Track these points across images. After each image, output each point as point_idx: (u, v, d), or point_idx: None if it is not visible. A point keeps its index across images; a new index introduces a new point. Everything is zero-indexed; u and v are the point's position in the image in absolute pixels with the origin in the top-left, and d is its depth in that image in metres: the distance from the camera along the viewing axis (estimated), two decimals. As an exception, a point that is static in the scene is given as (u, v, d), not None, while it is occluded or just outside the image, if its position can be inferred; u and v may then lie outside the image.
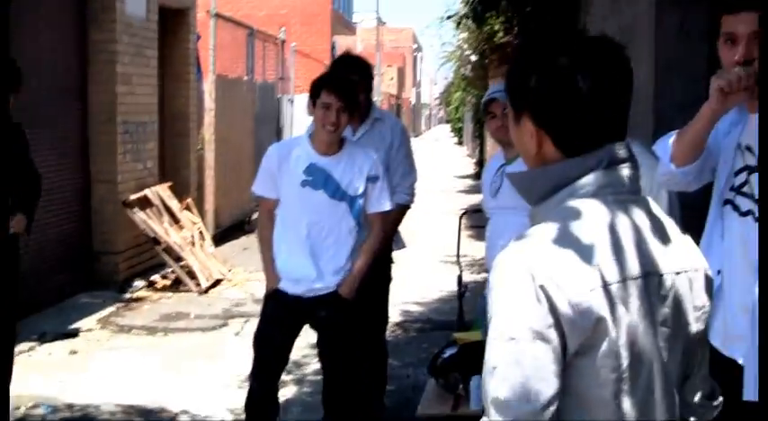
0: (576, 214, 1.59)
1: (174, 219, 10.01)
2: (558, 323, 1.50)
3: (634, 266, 1.58)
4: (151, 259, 9.72)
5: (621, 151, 1.64)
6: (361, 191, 4.42)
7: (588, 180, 1.61)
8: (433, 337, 7.26)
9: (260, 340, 4.55)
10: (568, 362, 1.53)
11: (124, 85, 9.35)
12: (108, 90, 9.17)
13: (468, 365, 5.30)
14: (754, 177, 2.55)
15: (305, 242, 4.39)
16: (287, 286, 4.44)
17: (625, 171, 1.64)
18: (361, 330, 4.82)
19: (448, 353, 5.61)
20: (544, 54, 1.63)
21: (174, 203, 10.18)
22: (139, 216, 9.30)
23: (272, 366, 4.58)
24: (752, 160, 2.57)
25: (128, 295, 8.99)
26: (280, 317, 4.50)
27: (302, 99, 20.51)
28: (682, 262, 1.67)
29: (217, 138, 12.14)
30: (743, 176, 2.62)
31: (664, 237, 1.66)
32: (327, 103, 4.29)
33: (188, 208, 10.60)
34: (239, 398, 5.02)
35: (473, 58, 14.14)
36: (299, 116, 19.13)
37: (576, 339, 1.52)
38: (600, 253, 1.55)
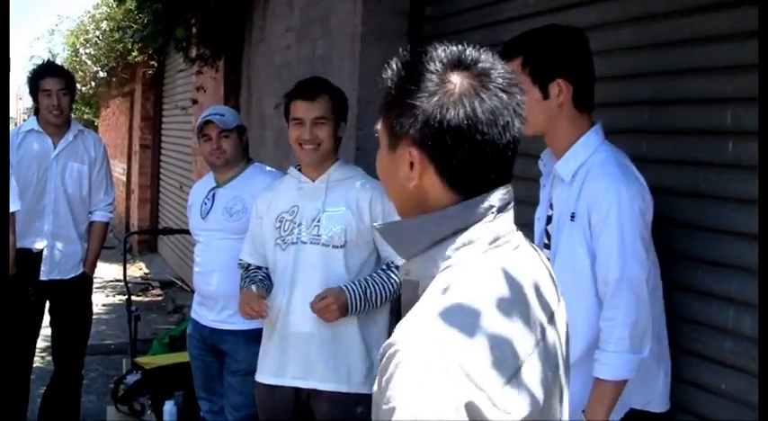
0: (474, 278, 1.39)
1: None
2: None
3: (536, 324, 1.43)
4: None
5: (509, 194, 1.48)
6: None
7: (483, 229, 1.43)
8: (89, 362, 6.93)
9: None
10: None
11: None
12: None
13: (156, 390, 5.18)
14: (550, 228, 2.70)
15: None
16: None
17: (511, 214, 1.49)
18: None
19: (131, 379, 5.45)
20: (438, 73, 1.42)
21: None
22: None
23: None
24: (550, 212, 2.72)
25: None
26: None
27: None
28: (555, 297, 1.56)
29: None
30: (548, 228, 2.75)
31: (545, 277, 1.54)
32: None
33: None
34: None
35: (102, 74, 13.71)
36: None
37: None
38: (510, 323, 1.37)
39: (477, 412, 1.27)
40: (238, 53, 7.56)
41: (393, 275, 3.36)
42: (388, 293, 3.35)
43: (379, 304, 3.35)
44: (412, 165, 1.43)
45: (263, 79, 6.79)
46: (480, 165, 1.41)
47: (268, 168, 4.19)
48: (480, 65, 1.43)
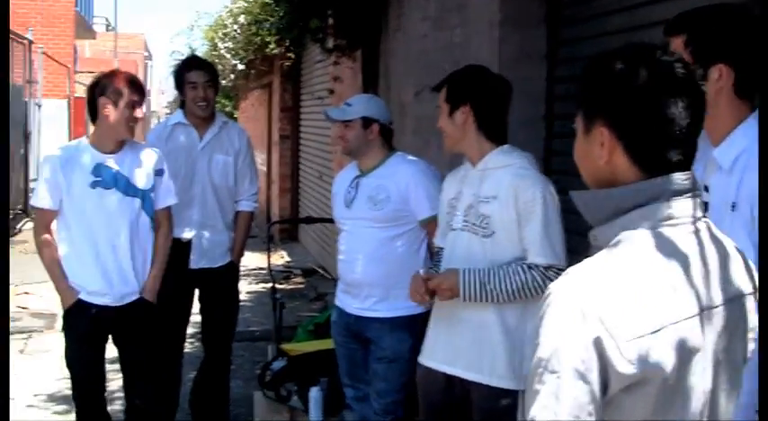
0: (638, 246, 1.57)
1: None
2: (603, 368, 1.48)
3: (694, 302, 1.57)
4: None
5: (690, 180, 1.64)
6: (151, 184, 4.35)
7: (659, 207, 1.60)
8: (235, 348, 7.12)
9: (74, 361, 4.33)
10: (610, 398, 1.51)
11: None
12: None
13: (302, 377, 5.29)
14: (708, 215, 2.64)
15: (102, 248, 4.20)
16: (88, 297, 4.22)
17: (692, 200, 1.64)
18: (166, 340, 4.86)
19: (277, 365, 5.57)
20: (628, 62, 1.62)
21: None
22: None
23: (94, 385, 4.38)
24: (706, 198, 2.59)
25: None
26: (88, 332, 4.27)
27: (51, 104, 19.51)
28: (737, 287, 1.68)
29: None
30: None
31: (724, 266, 1.66)
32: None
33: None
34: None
35: (240, 67, 14.06)
36: (47, 121, 18.15)
37: (620, 383, 1.50)
38: (660, 291, 1.54)
39: (605, 353, 1.47)
40: (375, 43, 7.62)
41: (523, 271, 3.23)
42: (512, 288, 3.21)
43: (500, 298, 3.23)
44: (602, 144, 1.64)
45: (401, 68, 6.83)
46: (662, 143, 1.61)
47: (410, 157, 4.21)
48: (664, 58, 1.63)
